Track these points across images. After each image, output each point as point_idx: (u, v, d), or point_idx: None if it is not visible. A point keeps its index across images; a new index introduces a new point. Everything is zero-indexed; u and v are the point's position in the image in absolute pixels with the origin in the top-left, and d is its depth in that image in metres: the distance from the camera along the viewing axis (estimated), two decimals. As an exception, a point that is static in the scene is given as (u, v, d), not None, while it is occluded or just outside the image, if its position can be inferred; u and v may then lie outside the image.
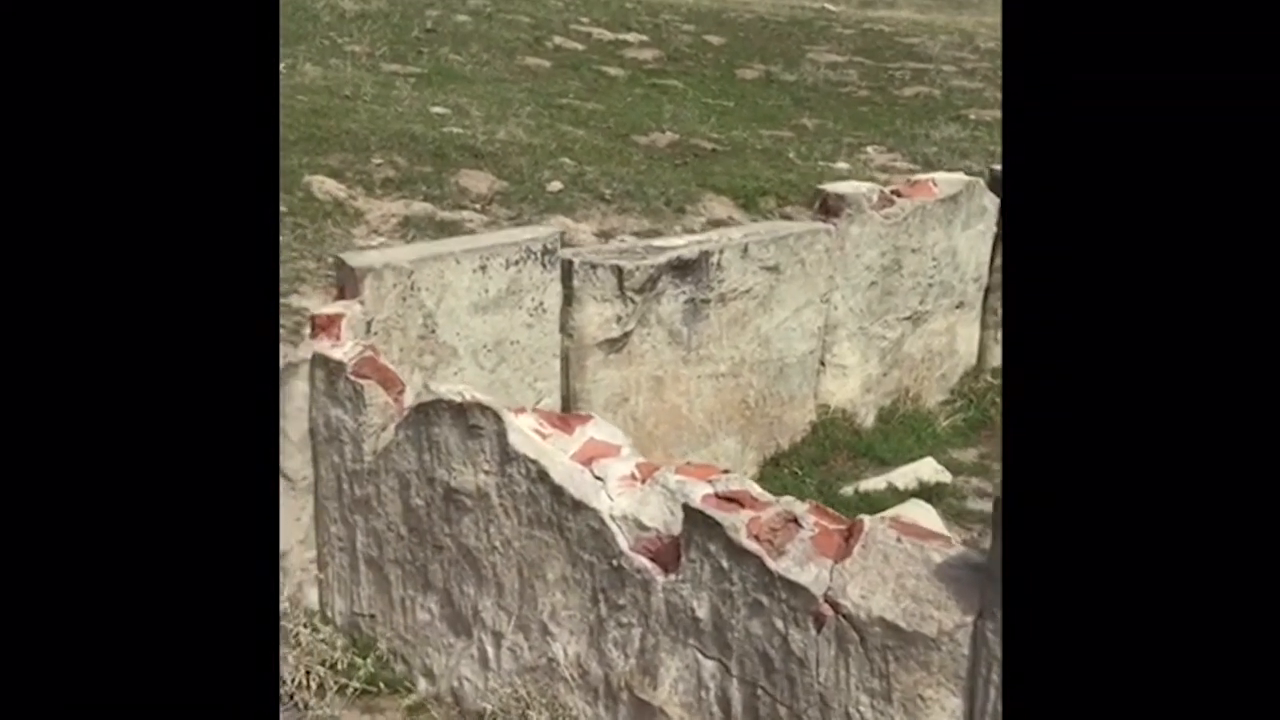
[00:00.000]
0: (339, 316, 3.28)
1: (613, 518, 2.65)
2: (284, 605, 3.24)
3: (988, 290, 5.36)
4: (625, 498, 2.66)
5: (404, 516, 3.07)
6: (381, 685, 3.11)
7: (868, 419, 4.90)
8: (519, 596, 2.87)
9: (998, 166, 5.45)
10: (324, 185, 6.84)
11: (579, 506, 2.69)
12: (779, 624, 2.37)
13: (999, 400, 5.13)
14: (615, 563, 2.65)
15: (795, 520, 2.41)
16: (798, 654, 2.35)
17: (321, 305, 5.58)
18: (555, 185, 7.39)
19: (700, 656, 2.53)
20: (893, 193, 4.82)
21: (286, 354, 3.24)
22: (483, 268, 3.68)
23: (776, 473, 4.47)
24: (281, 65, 8.95)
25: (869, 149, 9.44)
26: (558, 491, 2.73)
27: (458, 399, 2.89)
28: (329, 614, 3.33)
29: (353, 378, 3.09)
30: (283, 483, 3.28)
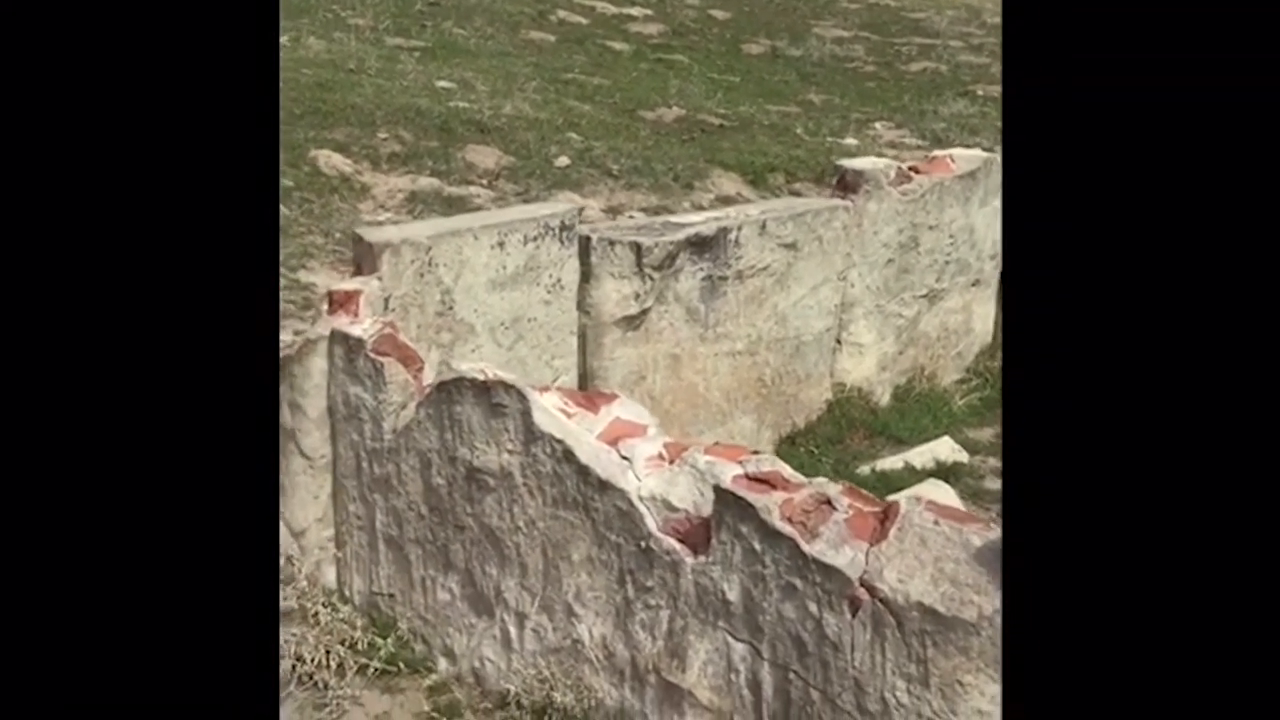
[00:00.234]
0: (357, 293, 3.24)
1: (641, 498, 2.61)
2: (302, 584, 3.21)
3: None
4: (653, 478, 2.62)
5: (425, 496, 3.03)
6: (401, 665, 3.08)
7: (883, 397, 4.86)
8: (543, 577, 2.84)
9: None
10: (330, 160, 6.77)
11: (606, 487, 2.66)
12: (813, 607, 2.33)
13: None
14: (643, 544, 2.61)
15: (829, 502, 2.37)
16: (832, 638, 2.32)
17: (329, 281, 5.55)
18: (563, 161, 7.32)
19: (730, 639, 2.50)
20: (910, 169, 4.77)
21: (300, 330, 3.20)
22: (500, 244, 3.63)
23: (793, 451, 4.44)
24: (284, 39, 8.86)
25: (877, 125, 9.36)
26: (584, 471, 2.69)
27: (480, 377, 2.85)
28: (347, 593, 3.29)
29: (373, 355, 3.05)
30: (300, 461, 3.24)
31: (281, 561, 3.23)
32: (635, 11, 12.93)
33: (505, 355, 3.69)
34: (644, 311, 3.98)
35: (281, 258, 5.43)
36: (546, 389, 2.90)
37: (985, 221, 5.10)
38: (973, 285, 5.18)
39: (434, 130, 7.44)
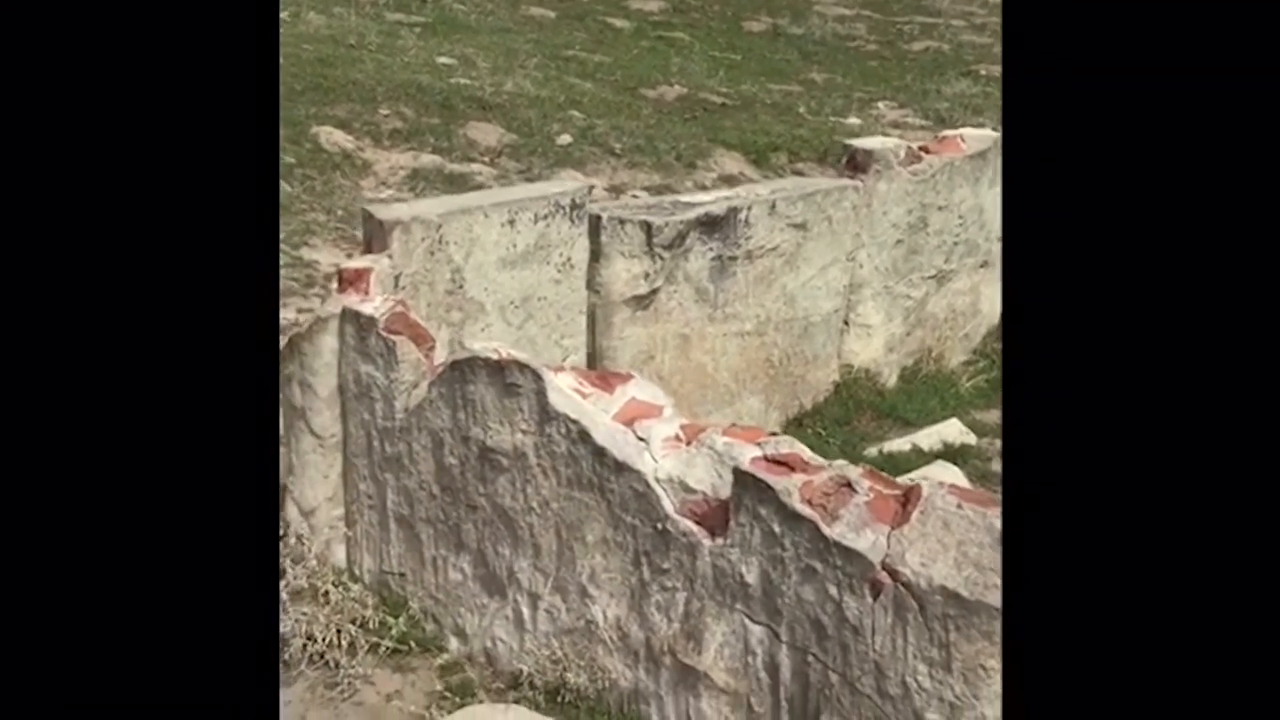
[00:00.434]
0: (367, 270, 3.21)
1: (658, 480, 2.60)
2: (312, 563, 3.19)
3: (1011, 250, 5.30)
4: (670, 460, 2.61)
5: (437, 475, 3.01)
6: (413, 644, 3.07)
7: (890, 379, 4.84)
8: (557, 558, 2.82)
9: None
10: (332, 136, 6.72)
11: (622, 468, 2.64)
12: (832, 590, 2.32)
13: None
14: (660, 526, 2.59)
15: (849, 485, 2.35)
16: (852, 621, 2.30)
17: (331, 258, 5.51)
18: (565, 139, 7.28)
19: (748, 622, 2.49)
20: (920, 149, 4.74)
21: (303, 308, 3.17)
22: (511, 222, 3.60)
23: (800, 433, 4.41)
24: (284, 13, 8.78)
25: (880, 104, 9.31)
26: (599, 452, 2.67)
27: (494, 356, 2.82)
28: (357, 572, 3.28)
29: (384, 333, 3.02)
30: (310, 439, 3.22)
31: (292, 540, 3.21)
32: (635, -12, 12.82)
33: (515, 334, 3.66)
34: (653, 291, 3.95)
35: (283, 235, 5.40)
36: (561, 369, 2.88)
37: (994, 202, 5.07)
38: (981, 266, 5.16)
39: (435, 107, 7.39)
